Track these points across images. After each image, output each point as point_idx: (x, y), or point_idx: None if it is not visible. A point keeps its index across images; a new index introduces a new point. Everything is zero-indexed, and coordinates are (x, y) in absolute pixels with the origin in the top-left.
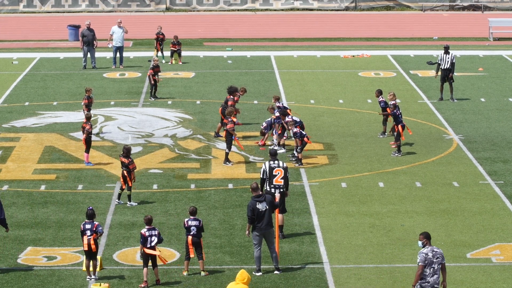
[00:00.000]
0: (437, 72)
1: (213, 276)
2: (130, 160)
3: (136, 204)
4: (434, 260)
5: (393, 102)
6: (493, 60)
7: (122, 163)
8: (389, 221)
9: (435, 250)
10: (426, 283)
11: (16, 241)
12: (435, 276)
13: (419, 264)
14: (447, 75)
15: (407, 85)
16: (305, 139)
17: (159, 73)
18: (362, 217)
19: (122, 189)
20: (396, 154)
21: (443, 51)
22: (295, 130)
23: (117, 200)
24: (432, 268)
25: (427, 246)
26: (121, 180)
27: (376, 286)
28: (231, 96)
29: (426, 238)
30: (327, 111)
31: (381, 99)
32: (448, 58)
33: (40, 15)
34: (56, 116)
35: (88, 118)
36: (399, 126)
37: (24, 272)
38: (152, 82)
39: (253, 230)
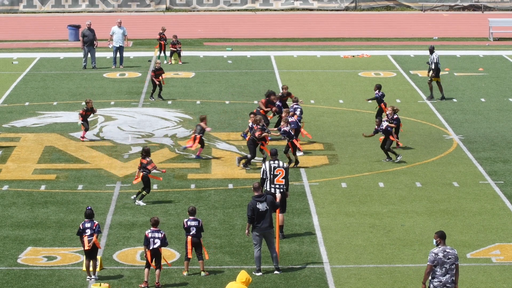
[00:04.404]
0: (428, 72)
1: (213, 276)
2: (149, 160)
3: (145, 204)
4: (446, 260)
5: (395, 115)
6: (493, 60)
7: (142, 164)
8: (389, 221)
9: (448, 250)
10: (438, 282)
11: (16, 241)
12: (448, 275)
13: (428, 263)
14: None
15: (407, 85)
16: (294, 141)
17: (163, 75)
18: (362, 217)
19: (146, 191)
20: (396, 158)
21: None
22: (284, 129)
23: (140, 202)
24: (444, 268)
25: (439, 246)
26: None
27: (376, 286)
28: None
29: (440, 237)
30: (327, 111)
31: (378, 92)
32: (432, 58)
33: (40, 15)
34: (56, 116)
35: (146, 152)
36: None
37: (24, 272)
38: (157, 83)
39: (253, 230)
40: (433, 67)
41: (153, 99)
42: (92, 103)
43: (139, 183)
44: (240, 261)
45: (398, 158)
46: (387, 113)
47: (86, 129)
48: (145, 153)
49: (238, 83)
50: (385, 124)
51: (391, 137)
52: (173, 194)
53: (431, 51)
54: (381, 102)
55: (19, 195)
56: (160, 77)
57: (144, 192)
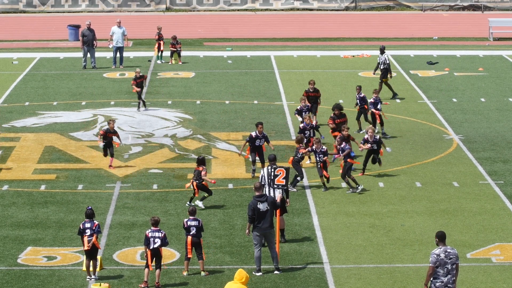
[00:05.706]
0: (375, 71)
1: (213, 276)
2: (204, 168)
3: (204, 207)
4: (448, 260)
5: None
6: (493, 60)
7: (197, 171)
8: (389, 221)
9: (449, 250)
10: (440, 283)
11: (16, 241)
12: (449, 276)
13: (430, 265)
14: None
15: (407, 85)
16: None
17: (144, 82)
18: (362, 217)
19: (207, 193)
20: (358, 188)
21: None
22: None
23: (202, 206)
24: (445, 268)
25: (440, 246)
26: (196, 189)
27: (376, 286)
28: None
29: (439, 238)
30: (327, 111)
31: (362, 95)
32: (379, 58)
33: (40, 15)
34: (56, 116)
35: (202, 161)
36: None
37: (24, 272)
38: (136, 91)
39: (253, 230)
40: (381, 67)
41: (143, 109)
42: (114, 124)
43: (189, 189)
44: (240, 261)
45: (359, 188)
46: (367, 136)
47: (111, 155)
48: (201, 162)
49: (238, 83)
50: (347, 146)
51: (349, 160)
52: (173, 194)
53: (382, 51)
54: (364, 104)
55: (19, 195)
56: (142, 86)
57: (206, 195)
